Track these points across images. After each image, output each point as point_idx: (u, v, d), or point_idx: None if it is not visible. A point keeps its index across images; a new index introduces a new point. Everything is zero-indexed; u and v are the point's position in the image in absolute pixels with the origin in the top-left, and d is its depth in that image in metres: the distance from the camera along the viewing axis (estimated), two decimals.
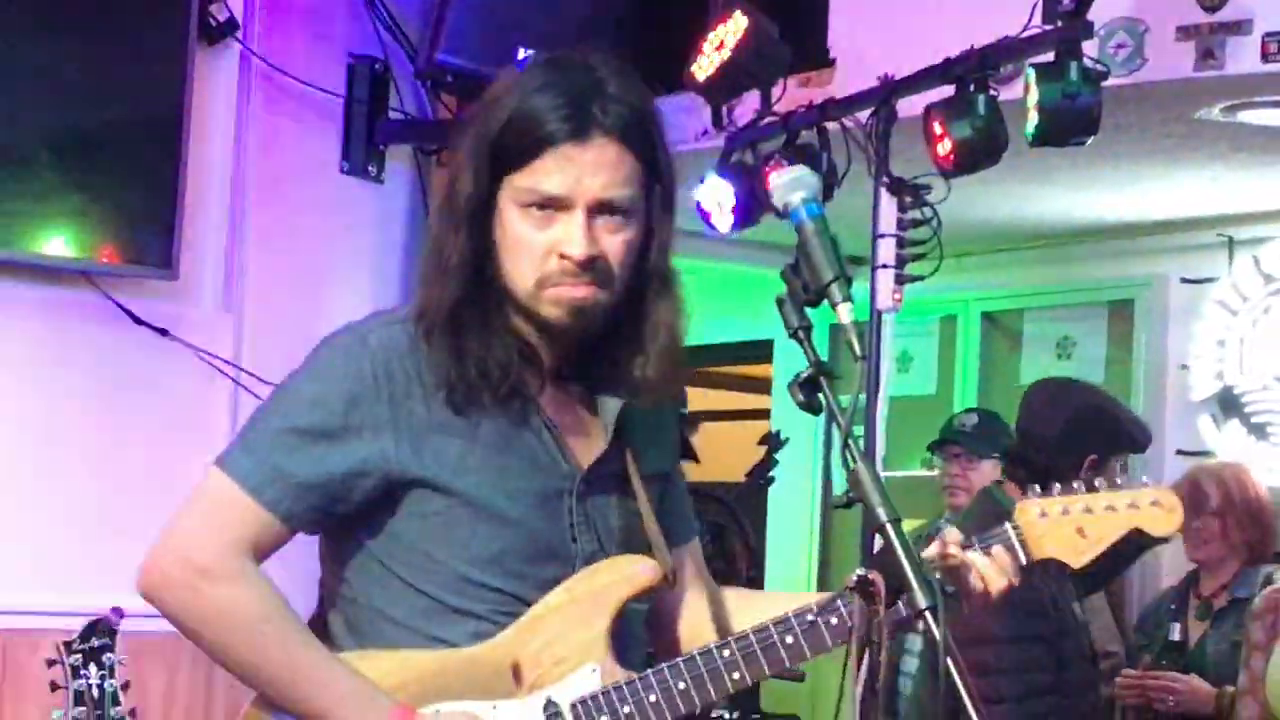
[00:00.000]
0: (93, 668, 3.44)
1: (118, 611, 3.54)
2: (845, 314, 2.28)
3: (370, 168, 5.32)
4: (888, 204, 4.79)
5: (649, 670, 2.41)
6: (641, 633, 2.55)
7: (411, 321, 2.43)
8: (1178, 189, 6.50)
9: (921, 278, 4.87)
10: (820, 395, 2.31)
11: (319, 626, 2.48)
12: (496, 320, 2.41)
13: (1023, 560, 2.48)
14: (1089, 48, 4.62)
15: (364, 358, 2.40)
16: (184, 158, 4.77)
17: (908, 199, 4.78)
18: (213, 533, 2.36)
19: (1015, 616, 4.22)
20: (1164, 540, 2.64)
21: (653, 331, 2.45)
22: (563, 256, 2.36)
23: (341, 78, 5.27)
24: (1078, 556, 2.51)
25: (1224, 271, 7.06)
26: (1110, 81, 4.66)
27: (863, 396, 4.32)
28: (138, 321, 4.83)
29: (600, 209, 2.39)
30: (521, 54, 5.02)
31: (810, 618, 2.43)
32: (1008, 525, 2.48)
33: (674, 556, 2.57)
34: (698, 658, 2.41)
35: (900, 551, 2.20)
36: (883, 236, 4.79)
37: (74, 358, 4.75)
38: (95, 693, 3.42)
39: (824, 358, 2.33)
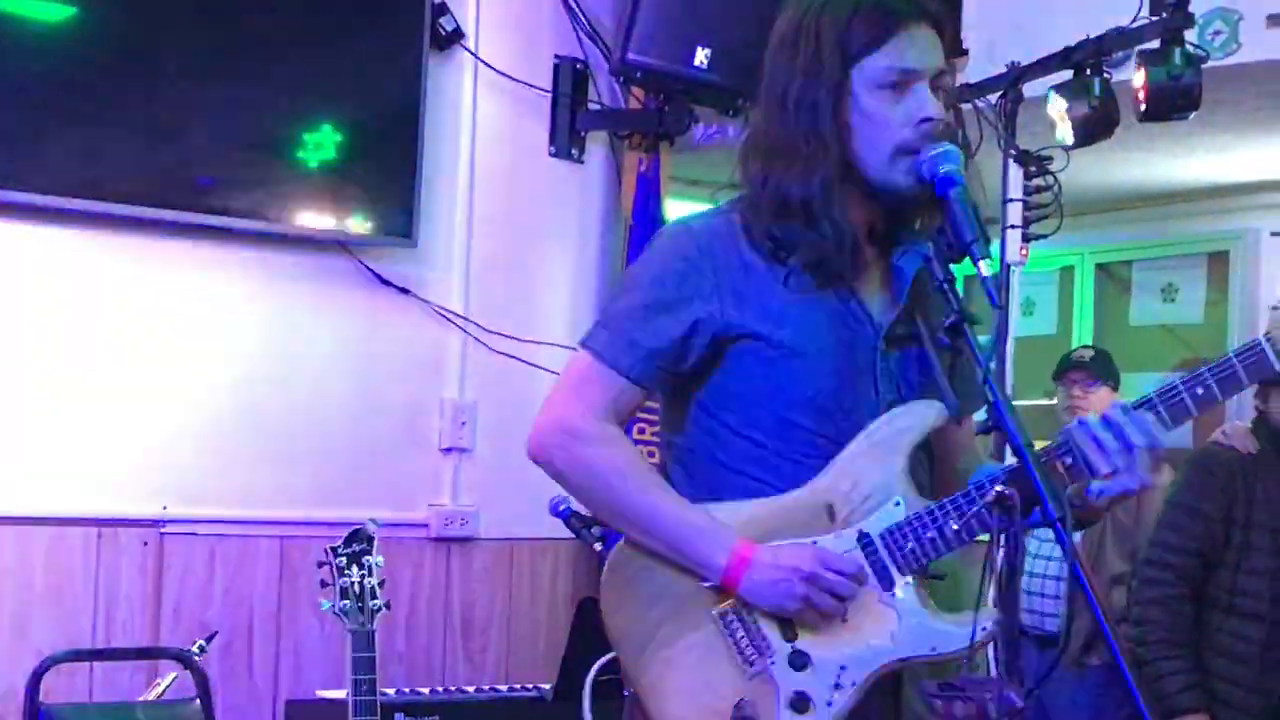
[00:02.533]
0: (354, 568, 3.53)
1: (374, 522, 3.63)
2: (984, 269, 2.27)
3: (573, 152, 5.35)
4: (1015, 173, 4.75)
5: (946, 499, 2.37)
6: (930, 482, 2.50)
7: (735, 212, 2.44)
8: (1267, 154, 6.35)
9: (1044, 236, 4.83)
10: (962, 338, 2.31)
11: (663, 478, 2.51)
12: (843, 198, 2.38)
13: (1277, 368, 2.37)
14: (1190, 35, 4.53)
15: (689, 241, 2.42)
16: (421, 146, 4.84)
17: (1032, 169, 4.73)
18: (580, 401, 2.42)
19: None
20: None
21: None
22: (925, 121, 2.35)
23: (549, 76, 5.29)
24: None
25: None
26: (1209, 63, 4.56)
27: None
28: (384, 282, 4.92)
29: (936, 82, 2.39)
30: (699, 53, 5.02)
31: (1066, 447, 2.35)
32: (1261, 337, 2.39)
33: (966, 424, 2.53)
34: (987, 482, 2.33)
35: (1033, 469, 2.19)
36: (1011, 201, 4.76)
37: (331, 314, 4.85)
38: (357, 588, 3.52)
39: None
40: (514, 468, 5.21)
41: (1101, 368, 5.78)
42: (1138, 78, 4.41)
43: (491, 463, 5.10)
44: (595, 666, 3.80)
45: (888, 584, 2.37)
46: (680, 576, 2.40)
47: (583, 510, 4.35)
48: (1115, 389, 5.60)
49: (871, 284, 2.46)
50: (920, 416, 2.41)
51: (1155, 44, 4.42)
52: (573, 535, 4.28)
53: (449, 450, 5.05)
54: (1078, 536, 5.22)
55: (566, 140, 5.31)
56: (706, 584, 2.37)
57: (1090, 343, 7.84)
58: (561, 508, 4.27)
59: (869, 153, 2.37)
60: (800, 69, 2.38)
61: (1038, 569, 5.37)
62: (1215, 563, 4.52)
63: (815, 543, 2.36)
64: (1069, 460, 2.35)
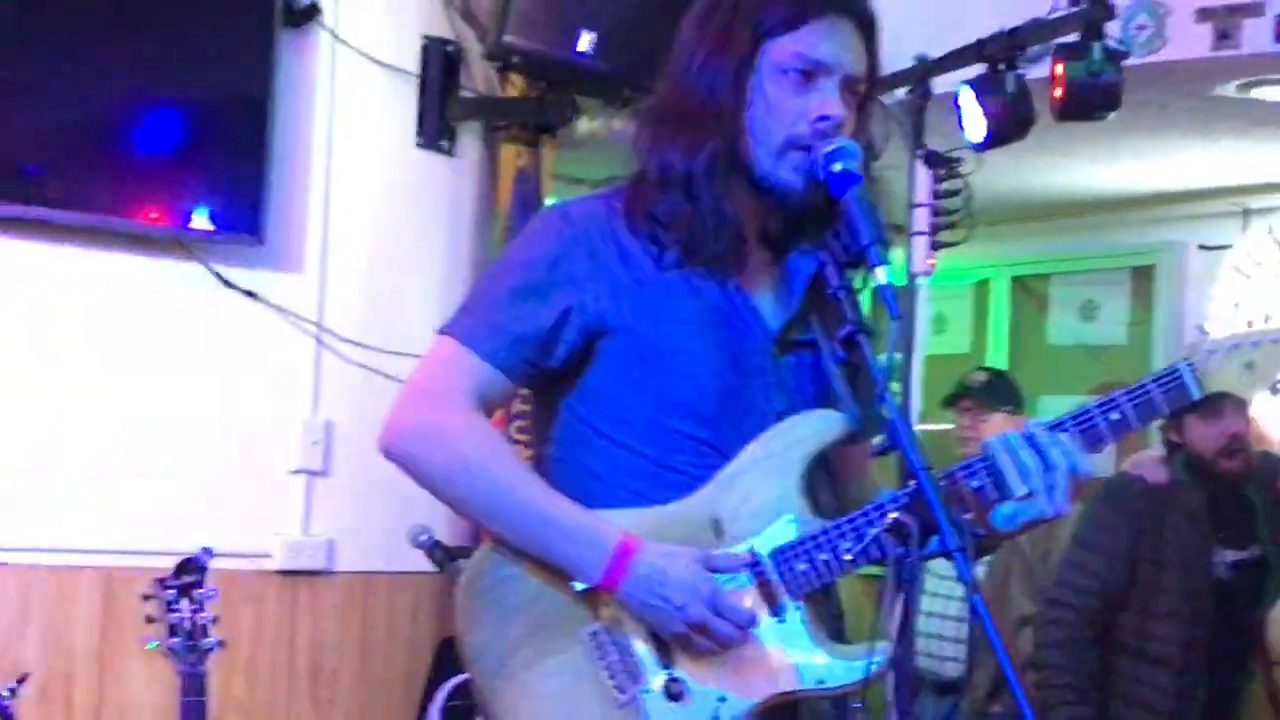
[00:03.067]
0: (185, 602, 3.46)
1: (207, 551, 3.56)
2: (882, 276, 2.28)
3: (443, 142, 5.29)
4: (923, 175, 4.78)
5: (843, 519, 2.36)
6: (830, 500, 2.50)
7: (617, 197, 2.45)
8: (1195, 161, 6.45)
9: (954, 244, 4.86)
10: (858, 351, 2.31)
11: None
12: (728, 182, 2.40)
13: (1195, 395, 2.42)
14: (1112, 29, 4.58)
15: (564, 224, 2.43)
16: (271, 134, 4.75)
17: (941, 171, 4.76)
18: (441, 389, 2.40)
19: None
20: None
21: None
22: (822, 119, 2.36)
23: (416, 58, 5.23)
24: (1245, 389, 2.47)
25: (1238, 238, 7.00)
26: (1132, 61, 4.63)
27: (899, 355, 4.30)
28: (228, 285, 4.83)
29: (846, 85, 2.40)
30: (584, 37, 4.99)
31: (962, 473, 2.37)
32: (1181, 362, 2.44)
33: (865, 443, 2.52)
34: (887, 503, 2.34)
35: (932, 496, 2.18)
36: (918, 206, 4.80)
37: (168, 319, 4.75)
38: (187, 625, 3.44)
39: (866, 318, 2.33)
40: (372, 494, 5.19)
41: (996, 393, 5.82)
42: (1055, 74, 4.45)
43: (347, 488, 5.02)
44: (445, 689, 3.75)
45: (776, 609, 2.35)
46: (549, 589, 2.36)
47: (446, 540, 4.30)
48: (1015, 413, 5.65)
49: (763, 286, 2.46)
50: (819, 428, 2.40)
51: (1074, 38, 4.46)
52: (436, 568, 4.22)
53: (299, 473, 4.96)
54: (980, 573, 5.25)
55: (435, 130, 5.25)
56: (580, 587, 2.33)
57: (1005, 363, 7.93)
58: (423, 538, 4.22)
59: (760, 139, 2.38)
60: (709, 40, 2.41)
61: (936, 608, 5.40)
62: (1122, 604, 4.57)
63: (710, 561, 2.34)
64: (976, 482, 2.35)
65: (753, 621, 2.32)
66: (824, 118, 2.36)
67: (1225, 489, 4.63)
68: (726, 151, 2.37)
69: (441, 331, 2.46)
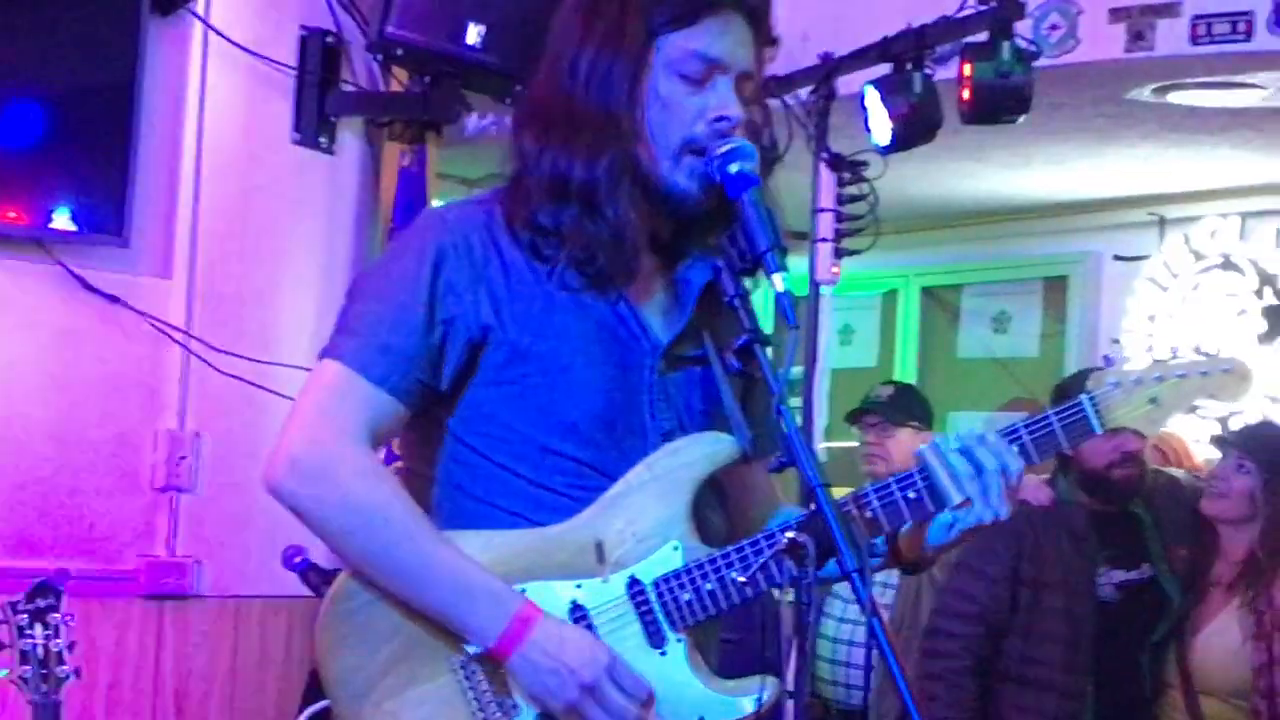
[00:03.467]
0: (38, 627, 3.41)
1: (63, 573, 3.52)
2: (779, 283, 2.27)
3: (321, 139, 5.29)
4: (827, 180, 4.81)
5: (731, 547, 2.36)
6: (720, 525, 2.49)
7: (496, 202, 2.41)
8: (1110, 168, 6.54)
9: (859, 252, 4.89)
10: (754, 362, 2.32)
11: None
12: (626, 189, 2.37)
13: (1096, 430, 2.42)
14: (1023, 28, 4.65)
15: (442, 232, 2.39)
16: (137, 127, 4.73)
17: (846, 175, 4.80)
18: (329, 421, 2.35)
19: None
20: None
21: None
22: (721, 120, 2.35)
23: (294, 49, 5.22)
24: (1150, 426, 2.47)
25: (1155, 249, 7.11)
26: (1043, 62, 4.70)
27: (800, 368, 4.36)
28: (89, 289, 4.79)
29: (741, 82, 2.39)
30: (471, 29, 5.00)
31: (879, 496, 2.38)
32: (1083, 396, 2.43)
33: (756, 470, 2.53)
34: (777, 532, 2.34)
35: (830, 515, 2.20)
36: (821, 211, 4.82)
37: (25, 323, 4.71)
38: (40, 652, 3.40)
39: (765, 328, 2.34)
40: (242, 512, 5.17)
41: (900, 408, 5.87)
42: (963, 74, 4.51)
43: (216, 506, 4.99)
44: (303, 717, 3.74)
45: (658, 641, 2.36)
46: (419, 616, 2.35)
47: (322, 563, 4.28)
48: (922, 428, 5.71)
49: (652, 297, 2.45)
50: (707, 450, 2.40)
51: (983, 37, 4.52)
52: (311, 592, 4.20)
53: (165, 490, 4.93)
54: (890, 595, 5.30)
55: (314, 126, 5.25)
56: (474, 650, 2.32)
57: (913, 376, 8.01)
58: (297, 560, 4.20)
59: (656, 143, 2.37)
60: (598, 35, 2.38)
61: (844, 634, 5.44)
62: (1003, 629, 4.64)
63: (579, 586, 2.34)
64: (913, 494, 2.37)
65: (650, 698, 2.32)
66: (722, 118, 2.36)
67: (1113, 507, 4.71)
68: (625, 158, 2.36)
69: (324, 355, 2.39)
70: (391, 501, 2.34)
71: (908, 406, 5.90)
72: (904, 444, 5.53)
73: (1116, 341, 7.03)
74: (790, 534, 2.25)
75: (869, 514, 2.37)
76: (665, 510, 2.37)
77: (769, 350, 2.33)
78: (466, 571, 2.32)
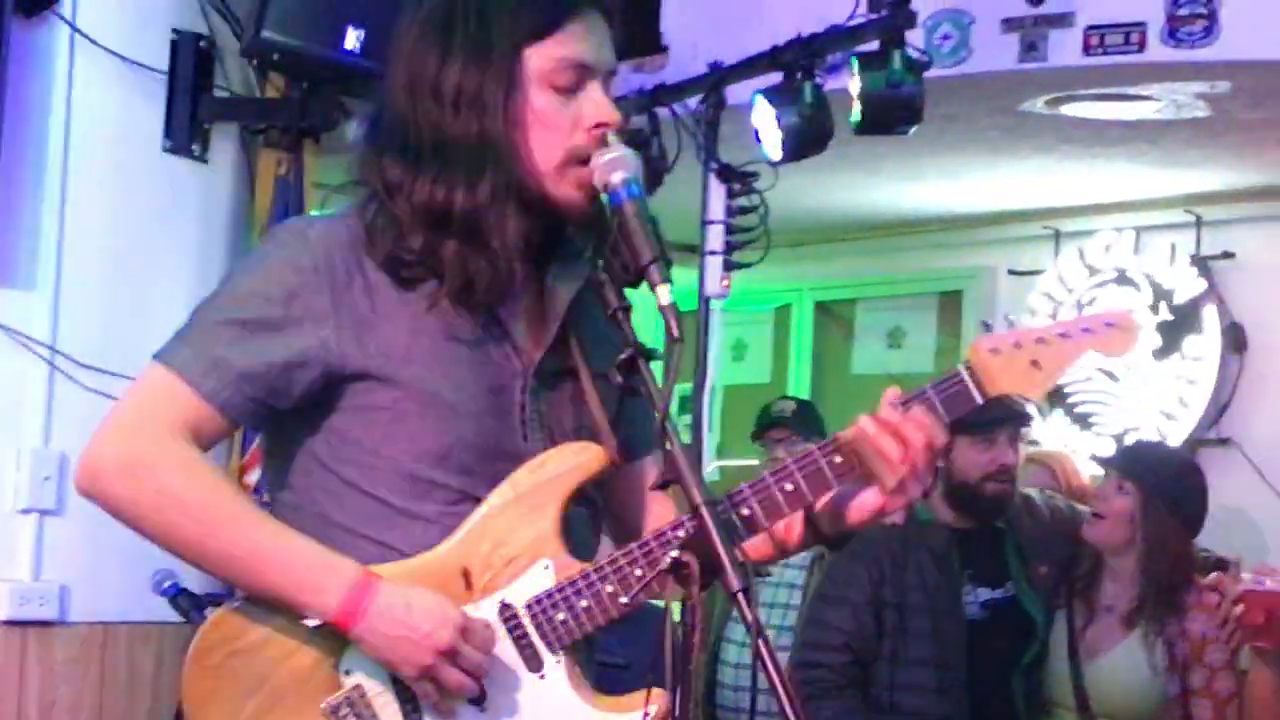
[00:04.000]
0: None
1: None
2: (664, 295, 2.26)
3: (194, 146, 5.21)
4: (716, 191, 4.81)
5: (603, 560, 2.35)
6: (593, 540, 2.49)
7: (357, 217, 2.37)
8: (1004, 181, 6.61)
9: (749, 265, 4.89)
10: (638, 376, 2.30)
11: None
12: (511, 214, 2.34)
13: (978, 400, 2.40)
14: (916, 38, 4.68)
15: (303, 250, 2.34)
16: None
17: (736, 186, 4.80)
18: (150, 421, 2.31)
19: None
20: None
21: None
22: (599, 126, 2.34)
23: (165, 54, 5.15)
24: (1033, 389, 2.42)
25: (1050, 263, 7.19)
26: (936, 72, 4.73)
27: (688, 384, 4.34)
28: None
29: (607, 81, 2.39)
30: (350, 34, 4.96)
31: (738, 500, 2.38)
32: (960, 365, 2.41)
33: (634, 468, 2.53)
34: (652, 542, 2.35)
35: (715, 534, 2.19)
36: (711, 223, 4.82)
37: None
38: None
39: (650, 343, 2.33)
40: (110, 535, 5.04)
41: (806, 422, 5.89)
42: (853, 84, 4.54)
43: (82, 528, 4.89)
44: None
45: (535, 664, 2.34)
46: (288, 659, 2.32)
47: (193, 587, 4.23)
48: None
49: (521, 309, 2.43)
50: (572, 462, 2.38)
51: (874, 46, 4.55)
52: (182, 618, 4.15)
53: (28, 511, 4.84)
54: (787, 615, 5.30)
55: (186, 133, 5.17)
56: (315, 624, 2.29)
57: (807, 393, 8.04)
58: (167, 584, 4.15)
59: (537, 161, 2.35)
60: (459, 53, 2.34)
61: (747, 660, 5.43)
62: (872, 654, 4.63)
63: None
64: (839, 458, 2.37)
65: (492, 644, 2.31)
66: (600, 124, 2.35)
67: (977, 523, 4.73)
68: (507, 182, 2.33)
69: (155, 358, 2.36)
70: (214, 488, 2.31)
71: (813, 421, 5.94)
72: None
73: (1007, 317, 7.08)
74: (674, 553, 2.25)
75: (789, 487, 2.37)
76: (532, 529, 2.35)
77: (652, 364, 2.32)
78: (297, 547, 2.30)
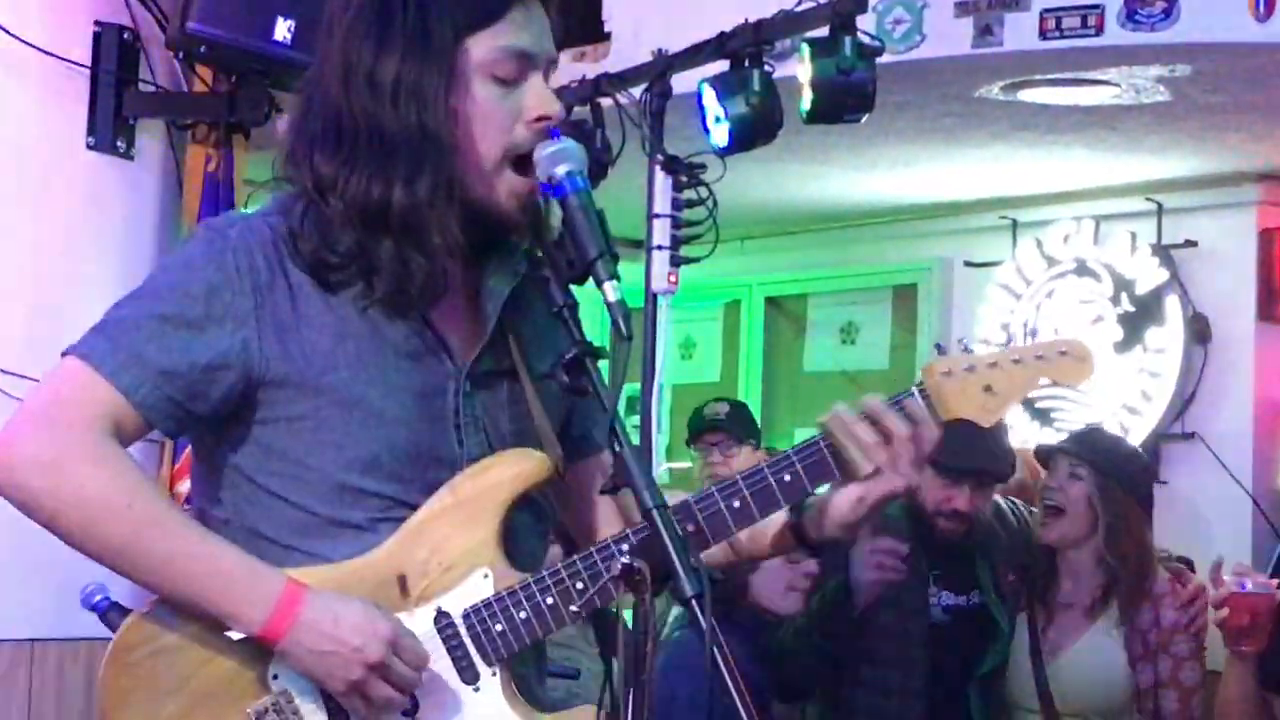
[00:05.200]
0: None
1: None
2: (611, 292, 2.27)
3: (119, 143, 5.19)
4: (662, 183, 4.81)
5: (544, 570, 2.35)
6: (538, 549, 2.49)
7: (280, 215, 2.36)
8: (960, 169, 6.63)
9: (697, 259, 4.89)
10: (585, 377, 2.30)
11: None
12: (451, 213, 2.33)
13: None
14: (867, 23, 4.69)
15: (225, 249, 2.32)
16: None
17: (683, 178, 4.80)
18: (68, 414, 2.28)
19: None
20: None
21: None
22: (541, 119, 2.33)
23: (87, 47, 5.13)
24: (987, 415, 2.47)
25: (1008, 254, 7.22)
26: (888, 58, 4.75)
27: (635, 383, 4.35)
28: None
29: (548, 71, 2.39)
30: (280, 25, 4.95)
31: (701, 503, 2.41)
32: (913, 386, 2.44)
33: (585, 467, 2.53)
34: (595, 554, 2.36)
35: (666, 538, 2.20)
36: (657, 217, 4.81)
37: None
38: None
39: (596, 340, 2.33)
40: (38, 547, 5.04)
41: (741, 425, 5.89)
42: (802, 71, 4.55)
43: (7, 541, 4.86)
44: None
45: (470, 676, 2.35)
46: (210, 663, 2.31)
47: (125, 601, 4.21)
48: (758, 447, 5.74)
49: (453, 309, 2.42)
50: (514, 469, 2.39)
51: (824, 32, 4.56)
52: (112, 634, 4.12)
53: None
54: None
55: (110, 129, 5.16)
56: (239, 636, 2.28)
57: (758, 391, 8.06)
58: (98, 599, 4.11)
59: (476, 155, 2.34)
60: (398, 42, 2.32)
61: None
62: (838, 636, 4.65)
63: None
64: (813, 457, 2.40)
65: (426, 659, 2.31)
66: (542, 117, 2.35)
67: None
68: (447, 178, 2.32)
69: (68, 352, 2.32)
70: (138, 488, 2.29)
71: (747, 423, 5.94)
72: (746, 463, 5.54)
73: (961, 341, 7.11)
74: (624, 559, 2.26)
75: (761, 487, 2.40)
76: (472, 536, 2.36)
77: (600, 362, 2.32)
78: (223, 554, 2.29)
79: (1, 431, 2.30)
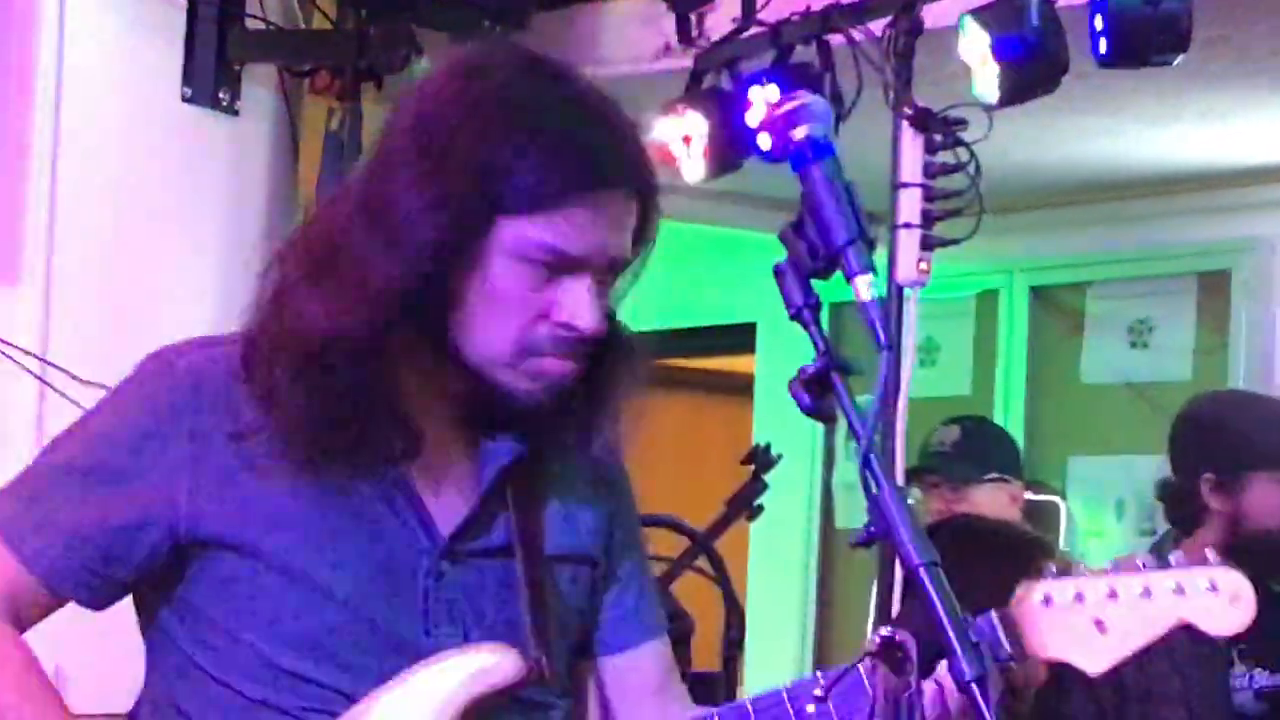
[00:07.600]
0: None
1: None
2: (865, 288, 2.26)
3: (221, 94, 5.29)
4: (911, 144, 4.77)
5: None
6: None
7: (237, 345, 2.44)
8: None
9: (955, 241, 4.85)
10: (832, 397, 2.30)
11: None
12: (426, 377, 2.43)
13: (1003, 657, 2.42)
14: None
15: (163, 388, 2.44)
16: None
17: (937, 137, 4.76)
18: None
19: None
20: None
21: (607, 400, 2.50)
22: (565, 326, 2.39)
23: None
24: (1094, 660, 2.45)
25: None
26: None
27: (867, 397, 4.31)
28: None
29: (609, 269, 2.44)
30: None
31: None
32: (991, 612, 2.42)
33: (627, 662, 2.61)
34: None
35: (938, 603, 2.18)
36: (905, 187, 4.77)
37: None
38: None
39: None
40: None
41: (971, 459, 5.77)
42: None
43: None
44: None
45: None
46: None
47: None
48: (1010, 479, 5.66)
49: (443, 469, 2.49)
50: (474, 668, 2.42)
51: None
52: None
53: None
54: None
55: (211, 78, 5.26)
56: None
57: (1020, 409, 7.99)
58: None
59: (481, 338, 2.40)
60: (419, 184, 2.38)
61: None
62: None
63: None
64: None
65: None
66: (569, 327, 2.39)
67: (1258, 586, 4.69)
68: (405, 329, 2.38)
69: None
70: (16, 677, 2.40)
71: (982, 454, 5.80)
72: (983, 506, 5.47)
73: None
74: (884, 630, 2.25)
75: None
76: None
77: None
78: None
79: None
